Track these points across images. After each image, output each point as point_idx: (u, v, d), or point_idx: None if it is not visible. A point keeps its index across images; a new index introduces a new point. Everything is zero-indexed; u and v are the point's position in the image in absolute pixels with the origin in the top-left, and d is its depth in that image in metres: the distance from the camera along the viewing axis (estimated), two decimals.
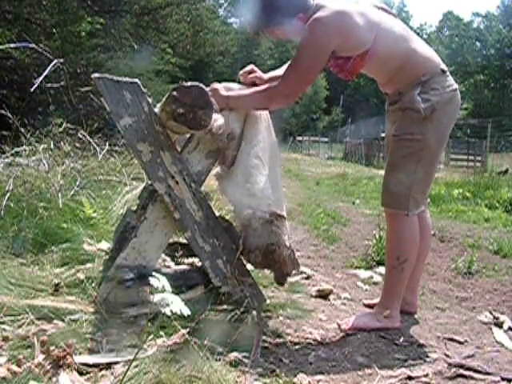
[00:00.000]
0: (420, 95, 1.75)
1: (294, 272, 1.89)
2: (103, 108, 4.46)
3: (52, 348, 1.29)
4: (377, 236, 3.03)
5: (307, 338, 1.70)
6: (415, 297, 2.07)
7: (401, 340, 1.74)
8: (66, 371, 1.22)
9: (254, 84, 1.95)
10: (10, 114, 3.35)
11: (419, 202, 1.83)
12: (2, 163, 3.15)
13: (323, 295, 2.22)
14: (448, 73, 1.83)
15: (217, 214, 1.86)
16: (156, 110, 1.72)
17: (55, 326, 1.47)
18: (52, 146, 3.50)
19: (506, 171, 9.65)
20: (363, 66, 1.81)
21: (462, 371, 1.51)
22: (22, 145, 3.44)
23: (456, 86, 1.83)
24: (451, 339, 1.80)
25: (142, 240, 1.71)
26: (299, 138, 29.70)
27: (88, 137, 3.88)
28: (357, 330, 1.79)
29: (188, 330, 1.48)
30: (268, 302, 1.96)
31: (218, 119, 1.69)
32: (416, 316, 2.04)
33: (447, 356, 1.63)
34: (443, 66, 1.81)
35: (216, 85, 1.80)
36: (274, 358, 1.53)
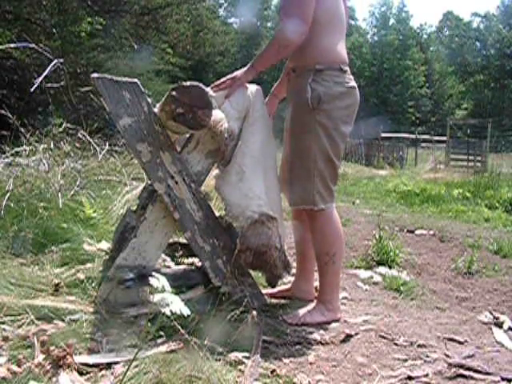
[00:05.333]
0: (310, 84, 1.79)
1: (284, 274, 1.89)
2: (103, 108, 4.46)
3: (52, 348, 1.29)
4: (377, 236, 3.03)
5: (307, 338, 1.70)
6: (311, 285, 2.13)
7: (401, 340, 1.74)
8: (66, 371, 1.22)
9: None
10: (9, 114, 3.35)
11: (325, 197, 1.84)
12: (2, 163, 3.15)
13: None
14: (348, 73, 1.86)
15: (217, 214, 1.86)
16: (155, 109, 1.72)
17: (55, 326, 1.47)
18: (52, 145, 3.50)
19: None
20: None
21: (462, 371, 1.51)
22: (22, 145, 3.44)
23: (354, 84, 1.87)
24: (451, 339, 1.80)
25: (142, 240, 1.71)
26: None
27: (88, 137, 3.87)
28: (304, 324, 1.81)
29: (188, 330, 1.48)
30: (268, 301, 1.96)
31: (216, 114, 1.69)
32: (416, 316, 2.05)
33: (447, 356, 1.62)
34: (344, 66, 1.85)
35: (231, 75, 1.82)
36: (274, 358, 1.53)
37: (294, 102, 1.87)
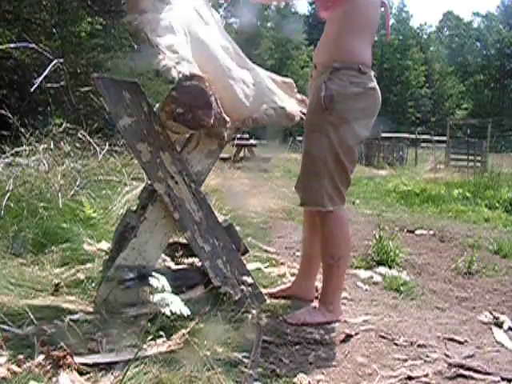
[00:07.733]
0: (326, 82, 1.75)
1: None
2: (103, 108, 4.47)
3: (52, 348, 1.29)
4: (377, 236, 3.03)
5: (307, 338, 1.70)
6: (312, 285, 2.13)
7: (401, 340, 1.74)
8: (66, 371, 1.22)
9: None
10: (10, 114, 3.35)
11: (334, 198, 1.81)
12: (2, 163, 3.15)
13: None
14: (368, 75, 1.82)
15: (217, 214, 1.86)
16: (155, 109, 1.72)
17: (55, 325, 1.47)
18: (52, 145, 3.50)
19: None
20: (338, 5, 1.80)
21: (462, 371, 1.51)
22: (22, 145, 3.44)
23: (373, 85, 1.83)
24: (451, 339, 1.80)
25: (142, 240, 1.71)
26: (299, 138, 29.64)
27: (88, 137, 3.88)
28: (304, 324, 1.80)
29: (188, 329, 1.48)
30: (268, 301, 1.96)
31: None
32: (416, 316, 2.05)
33: (447, 356, 1.62)
34: (363, 68, 1.79)
35: None
36: (274, 358, 1.53)
37: (310, 100, 1.86)
